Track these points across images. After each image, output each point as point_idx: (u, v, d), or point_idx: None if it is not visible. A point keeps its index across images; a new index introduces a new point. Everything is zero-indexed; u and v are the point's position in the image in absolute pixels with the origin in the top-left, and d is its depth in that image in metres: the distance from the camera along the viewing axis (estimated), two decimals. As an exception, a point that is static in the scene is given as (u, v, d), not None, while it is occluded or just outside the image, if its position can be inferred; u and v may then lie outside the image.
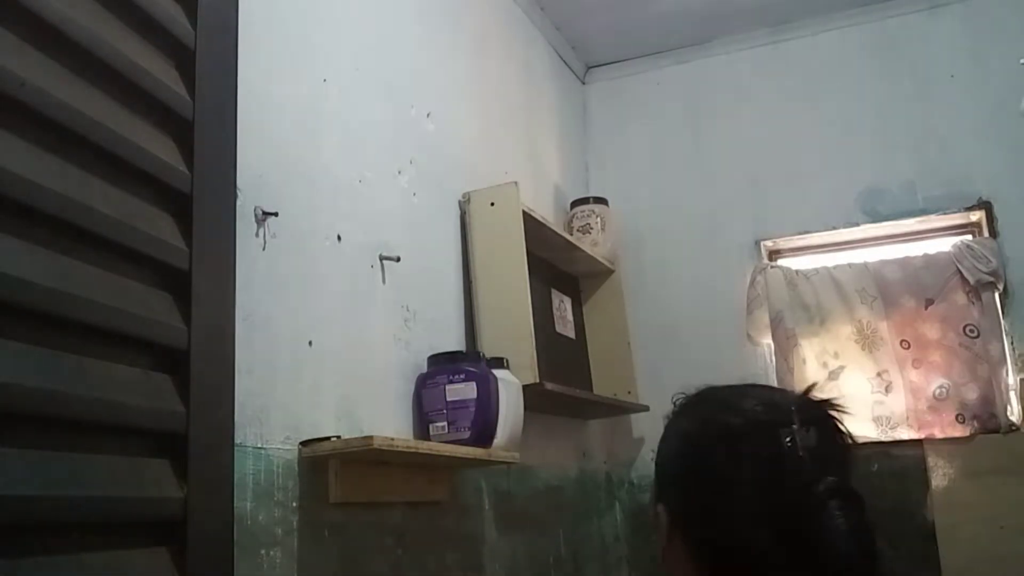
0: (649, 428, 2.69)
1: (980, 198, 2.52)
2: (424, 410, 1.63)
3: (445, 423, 1.60)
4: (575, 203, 2.63)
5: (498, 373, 1.68)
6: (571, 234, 2.48)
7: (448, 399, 1.61)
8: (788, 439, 0.85)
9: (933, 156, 2.58)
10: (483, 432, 1.61)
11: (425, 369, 1.67)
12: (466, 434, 1.59)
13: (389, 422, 1.58)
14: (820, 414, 0.88)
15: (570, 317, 2.47)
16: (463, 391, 1.61)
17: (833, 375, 2.50)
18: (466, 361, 1.66)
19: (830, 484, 0.83)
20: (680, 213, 2.83)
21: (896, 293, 2.50)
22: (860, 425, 2.47)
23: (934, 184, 2.57)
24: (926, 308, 2.47)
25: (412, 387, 1.66)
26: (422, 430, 1.63)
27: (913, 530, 2.34)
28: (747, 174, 2.79)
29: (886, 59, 2.69)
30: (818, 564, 0.82)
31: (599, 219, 2.58)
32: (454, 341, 1.86)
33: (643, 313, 2.70)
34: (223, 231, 0.93)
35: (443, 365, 1.64)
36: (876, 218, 2.62)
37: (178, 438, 0.83)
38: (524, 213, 1.97)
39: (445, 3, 2.09)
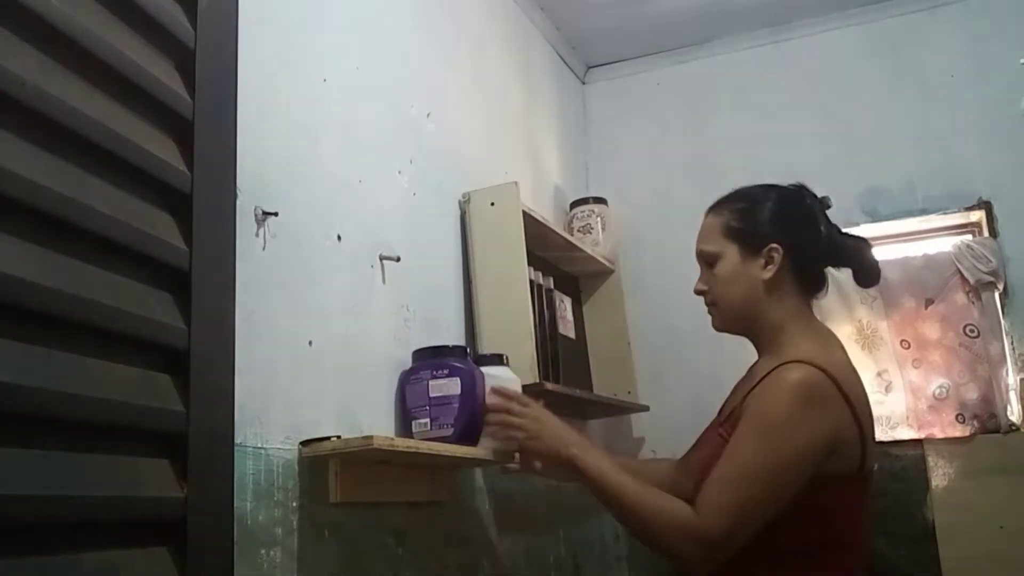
0: (649, 428, 2.69)
1: (980, 198, 2.52)
2: (407, 406, 1.57)
3: (427, 420, 1.54)
4: (575, 204, 2.62)
5: (490, 370, 1.65)
6: (572, 234, 2.48)
7: (431, 395, 1.55)
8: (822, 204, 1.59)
9: (933, 156, 2.58)
10: (467, 429, 1.54)
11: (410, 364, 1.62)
12: (448, 431, 1.53)
13: (389, 422, 1.58)
14: None
15: (570, 317, 2.47)
16: (446, 387, 1.55)
17: (833, 375, 2.50)
18: (451, 356, 1.59)
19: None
20: (680, 213, 2.82)
21: (896, 293, 2.50)
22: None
23: (934, 184, 2.57)
24: (926, 308, 2.47)
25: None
26: (405, 427, 1.58)
27: (913, 530, 2.34)
28: (747, 174, 2.77)
29: (886, 59, 2.69)
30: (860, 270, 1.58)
31: (599, 219, 2.58)
32: (454, 341, 1.86)
33: (643, 313, 2.70)
34: (223, 231, 0.93)
35: (427, 360, 1.58)
36: (876, 218, 2.62)
37: (178, 438, 0.83)
38: (524, 213, 1.97)
39: (445, 3, 2.09)
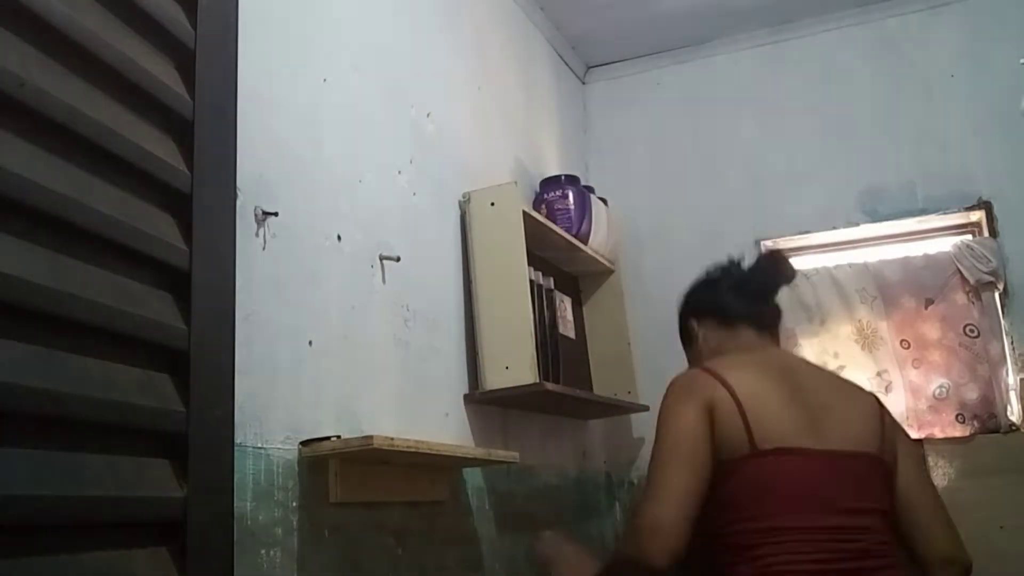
0: (649, 428, 2.68)
1: (980, 198, 2.52)
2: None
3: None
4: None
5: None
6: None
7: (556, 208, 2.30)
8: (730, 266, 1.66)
9: (933, 156, 2.58)
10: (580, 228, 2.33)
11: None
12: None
13: (389, 422, 1.58)
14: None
15: (570, 317, 2.47)
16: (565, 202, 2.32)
17: (833, 375, 2.50)
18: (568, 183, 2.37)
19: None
20: (680, 213, 2.83)
21: (896, 293, 2.50)
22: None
23: (934, 184, 2.57)
24: (926, 308, 2.47)
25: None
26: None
27: (913, 530, 2.34)
28: (747, 174, 2.79)
29: (886, 59, 2.69)
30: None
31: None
32: (454, 341, 1.86)
33: (643, 313, 2.70)
34: (223, 231, 0.93)
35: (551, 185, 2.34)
36: (876, 218, 2.62)
37: (178, 438, 0.83)
38: (524, 213, 1.97)
39: (445, 3, 2.09)
